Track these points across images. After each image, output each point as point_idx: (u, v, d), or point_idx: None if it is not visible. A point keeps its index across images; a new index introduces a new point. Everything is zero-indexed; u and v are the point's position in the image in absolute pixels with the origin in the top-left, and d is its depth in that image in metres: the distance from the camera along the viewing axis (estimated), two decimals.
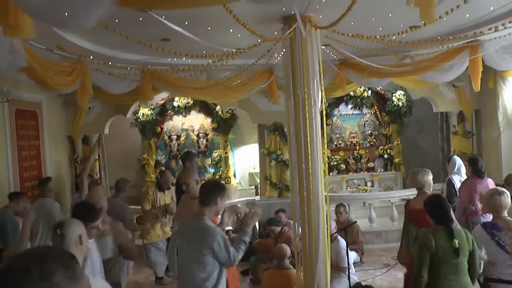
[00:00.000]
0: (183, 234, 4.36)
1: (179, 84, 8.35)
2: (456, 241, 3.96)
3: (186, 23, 5.36)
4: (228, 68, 8.53)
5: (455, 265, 3.97)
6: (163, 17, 4.97)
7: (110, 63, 7.53)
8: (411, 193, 10.42)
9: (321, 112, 5.90)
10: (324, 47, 7.69)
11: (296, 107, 5.78)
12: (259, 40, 5.58)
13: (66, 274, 1.45)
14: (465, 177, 7.77)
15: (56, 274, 1.43)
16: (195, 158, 8.48)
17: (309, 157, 5.70)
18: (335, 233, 7.43)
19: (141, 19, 5.25)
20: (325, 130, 5.98)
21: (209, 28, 5.86)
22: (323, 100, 5.91)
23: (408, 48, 7.49)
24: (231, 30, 5.86)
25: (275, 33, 6.06)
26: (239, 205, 10.34)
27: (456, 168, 8.06)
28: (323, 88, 5.86)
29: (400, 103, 12.29)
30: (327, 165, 5.70)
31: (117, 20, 5.28)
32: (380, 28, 5.80)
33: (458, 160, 8.18)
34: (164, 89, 8.81)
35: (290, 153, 6.07)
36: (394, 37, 6.35)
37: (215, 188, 4.38)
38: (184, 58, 7.53)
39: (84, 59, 7.15)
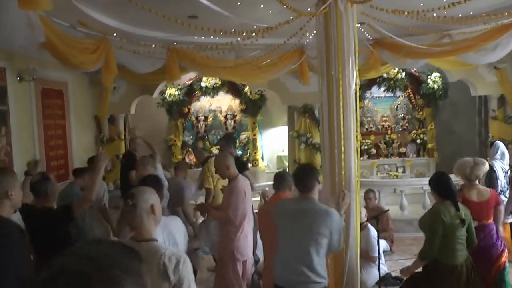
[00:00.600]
0: (289, 214, 4.20)
1: (206, 63, 8.08)
2: (462, 213, 4.47)
3: None
4: (258, 47, 8.19)
5: (460, 237, 4.46)
6: None
7: (134, 40, 7.30)
8: None
9: (355, 94, 5.55)
10: (359, 25, 7.30)
11: (330, 88, 5.43)
12: (292, 17, 5.25)
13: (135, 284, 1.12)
14: (508, 164, 7.32)
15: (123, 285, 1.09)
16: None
17: (342, 141, 5.37)
18: (366, 221, 7.10)
19: None
20: (358, 112, 5.63)
21: (239, 3, 5.54)
22: (357, 82, 5.55)
23: (450, 26, 7.04)
24: (261, 6, 5.54)
25: (308, 9, 5.70)
26: (267, 188, 10.08)
27: (498, 154, 7.57)
28: (357, 68, 5.49)
29: (436, 86, 11.79)
30: (359, 149, 5.36)
31: None
32: (422, 4, 5.38)
33: (501, 146, 7.68)
34: (191, 68, 8.55)
35: (322, 136, 5.73)
36: (435, 14, 5.92)
37: (312, 172, 4.34)
38: (212, 36, 7.29)
39: (108, 37, 6.94)
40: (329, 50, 5.38)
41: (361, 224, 6.74)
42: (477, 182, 5.29)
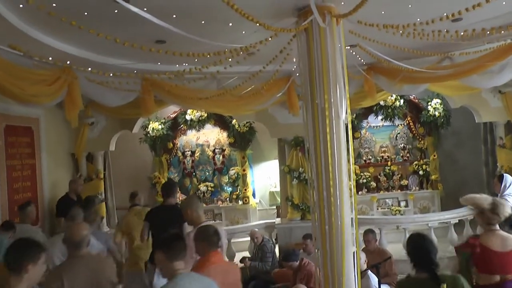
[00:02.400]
0: None
1: (184, 95, 7.35)
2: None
3: (174, 16, 4.32)
4: (241, 75, 7.48)
5: None
6: (145, 9, 3.96)
7: (102, 70, 6.56)
8: (452, 215, 9.25)
9: (346, 125, 4.78)
10: (349, 48, 6.58)
11: (315, 119, 4.67)
12: (269, 37, 4.52)
13: None
14: None
15: None
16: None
17: (331, 180, 4.56)
18: (366, 270, 6.21)
19: (116, 11, 4.21)
20: (351, 144, 4.85)
21: (203, 22, 4.81)
22: (348, 111, 4.77)
23: (450, 46, 6.30)
24: (230, 24, 4.80)
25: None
26: (256, 229, 9.24)
27: (509, 188, 6.73)
28: (348, 95, 4.72)
29: (437, 113, 11.05)
30: (354, 184, 4.48)
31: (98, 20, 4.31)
32: (418, 19, 4.65)
33: (510, 178, 6.85)
34: (168, 101, 7.82)
35: (309, 172, 4.94)
36: (432, 30, 5.19)
37: None
38: (185, 64, 6.59)
39: (71, 67, 6.20)
40: (312, 74, 4.66)
41: (361, 272, 5.92)
42: (497, 226, 4.31)
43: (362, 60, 7.34)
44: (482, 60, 6.73)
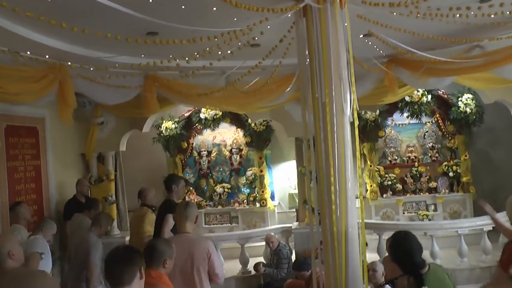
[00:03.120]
0: None
1: (189, 92, 6.86)
2: None
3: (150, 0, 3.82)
4: (250, 72, 6.95)
5: None
6: None
7: (98, 67, 6.12)
8: (485, 222, 8.42)
9: (352, 123, 4.18)
10: (365, 37, 5.95)
11: (316, 115, 4.08)
12: (260, 20, 3.96)
13: None
14: None
15: None
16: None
17: (332, 186, 3.98)
18: (382, 284, 5.56)
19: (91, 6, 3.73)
20: (357, 144, 4.24)
21: (183, 6, 4.27)
22: (355, 106, 4.16)
23: (476, 32, 5.58)
24: (214, 9, 4.25)
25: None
26: (272, 233, 8.69)
27: None
28: (353, 88, 4.11)
29: (468, 109, 10.21)
30: (361, 188, 3.88)
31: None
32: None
33: None
34: (172, 98, 7.34)
35: (308, 174, 4.38)
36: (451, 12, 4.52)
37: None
38: (187, 59, 6.07)
39: (63, 63, 5.79)
40: (312, 64, 4.07)
41: (377, 286, 5.34)
42: None
43: (382, 52, 6.66)
44: None
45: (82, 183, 8.71)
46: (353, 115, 4.12)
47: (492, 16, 4.98)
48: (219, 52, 5.43)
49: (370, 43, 6.05)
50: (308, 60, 4.11)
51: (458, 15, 4.69)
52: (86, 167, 9.96)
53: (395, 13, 4.46)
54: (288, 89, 6.75)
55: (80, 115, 9.51)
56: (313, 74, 4.02)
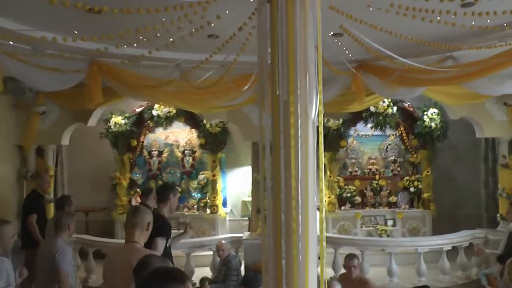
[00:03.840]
0: None
1: (137, 83, 6.15)
2: None
3: None
4: (208, 67, 6.33)
5: None
6: None
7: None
8: (445, 241, 8.18)
9: (317, 127, 3.59)
10: (334, 36, 5.42)
11: (275, 116, 3.48)
12: None
13: None
14: None
15: None
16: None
17: (294, 201, 3.38)
18: None
19: None
20: (321, 151, 3.65)
21: None
22: (321, 108, 3.58)
23: (455, 39, 5.15)
24: None
25: None
26: (223, 241, 8.07)
27: None
28: (320, 87, 3.54)
29: (433, 124, 9.89)
30: (323, 200, 3.21)
31: None
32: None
33: None
34: (118, 89, 6.59)
35: (262, 182, 3.78)
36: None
37: None
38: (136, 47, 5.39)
39: None
40: (274, 57, 3.46)
41: None
42: None
43: (351, 55, 6.15)
44: (493, 62, 5.60)
45: (44, 178, 7.73)
46: (317, 118, 3.53)
47: (474, 22, 4.56)
48: (171, 40, 4.79)
49: (340, 43, 5.52)
50: (269, 51, 3.49)
51: (438, 18, 4.23)
52: (23, 160, 9.07)
53: (371, 8, 3.93)
54: (246, 87, 6.13)
55: (19, 103, 8.71)
56: (275, 68, 3.41)
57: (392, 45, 5.15)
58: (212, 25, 4.05)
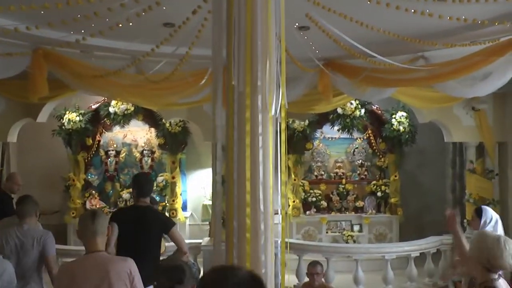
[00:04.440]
0: None
1: (83, 73, 5.62)
2: None
3: None
4: (171, 60, 5.86)
5: None
6: None
7: None
8: (413, 247, 7.94)
9: (280, 124, 3.21)
10: (299, 29, 5.04)
11: (230, 110, 3.06)
12: None
13: None
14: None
15: None
16: None
17: (247, 195, 2.99)
18: None
19: None
20: (284, 150, 3.26)
21: None
22: (284, 101, 3.18)
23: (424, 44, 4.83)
24: None
25: None
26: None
27: (491, 225, 5.29)
28: (283, 78, 3.14)
29: (401, 128, 9.66)
30: (285, 204, 2.77)
31: None
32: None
33: (493, 213, 5.41)
34: (64, 79, 6.02)
35: (215, 185, 3.40)
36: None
37: None
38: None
39: None
40: (230, 42, 3.05)
41: None
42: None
43: (317, 52, 5.78)
44: (465, 62, 5.34)
45: (13, 179, 6.99)
46: (279, 114, 3.14)
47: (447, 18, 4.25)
48: (119, 25, 4.31)
49: (306, 37, 5.13)
50: (226, 36, 3.07)
51: (413, 11, 3.90)
52: None
53: None
54: (203, 82, 5.67)
55: None
56: (230, 54, 2.99)
57: (361, 43, 4.81)
58: (163, 8, 3.59)
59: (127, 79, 5.91)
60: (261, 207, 2.97)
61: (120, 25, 4.20)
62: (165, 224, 4.79)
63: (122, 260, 3.34)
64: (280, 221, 3.81)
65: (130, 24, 4.50)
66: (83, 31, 4.88)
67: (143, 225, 4.60)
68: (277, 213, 3.86)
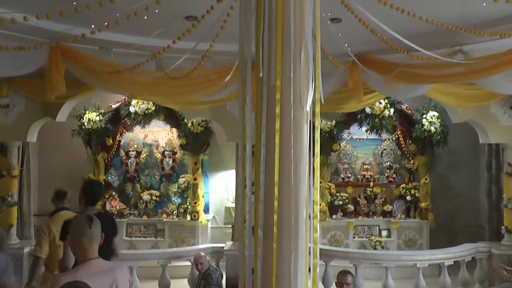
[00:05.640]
0: None
1: (99, 69, 5.38)
2: None
3: None
4: (190, 57, 5.57)
5: None
6: None
7: None
8: (447, 255, 7.52)
9: (313, 123, 2.87)
10: (332, 22, 4.70)
11: (258, 105, 2.74)
12: None
13: None
14: None
15: None
16: None
17: (275, 192, 2.66)
18: None
19: None
20: (317, 151, 2.93)
21: None
22: (317, 97, 2.84)
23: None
24: None
25: None
26: (202, 253, 7.29)
27: None
28: (318, 69, 2.80)
29: (433, 128, 9.25)
30: (318, 206, 2.39)
31: None
32: None
33: None
34: (80, 76, 5.80)
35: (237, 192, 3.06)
36: None
37: None
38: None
39: None
40: (259, 27, 2.73)
41: None
42: None
43: (347, 45, 5.41)
44: (509, 55, 4.93)
45: None
46: (313, 108, 2.80)
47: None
48: (143, 18, 4.04)
49: (336, 29, 4.78)
50: (255, 23, 2.74)
51: None
52: None
53: None
54: (228, 78, 5.35)
55: None
56: (258, 41, 2.67)
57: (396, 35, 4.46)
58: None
59: (147, 76, 5.65)
60: (292, 215, 2.64)
61: (145, 17, 3.91)
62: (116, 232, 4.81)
63: (124, 267, 3.27)
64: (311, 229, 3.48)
65: (151, 18, 4.26)
66: (104, 23, 4.64)
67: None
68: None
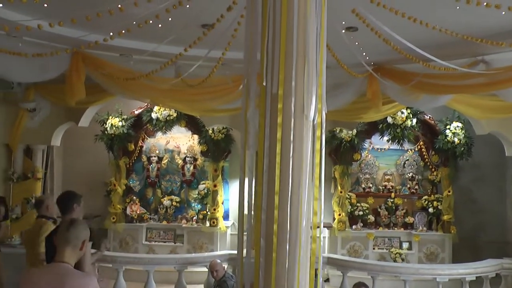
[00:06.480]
0: None
1: (117, 76, 5.47)
2: None
3: None
4: (209, 65, 5.61)
5: None
6: None
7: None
8: (468, 270, 7.30)
9: (315, 131, 2.85)
10: (348, 31, 4.67)
11: (261, 114, 2.74)
12: None
13: None
14: None
15: None
16: None
17: (275, 208, 2.66)
18: None
19: None
20: (318, 161, 2.89)
21: None
22: (321, 104, 2.82)
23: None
24: None
25: None
26: (218, 260, 7.27)
27: None
28: (321, 79, 2.78)
29: (456, 140, 9.03)
30: (317, 216, 2.36)
31: None
32: None
33: None
34: (104, 84, 5.93)
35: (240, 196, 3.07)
36: None
37: None
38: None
39: None
40: (263, 37, 2.73)
41: None
42: None
43: (364, 54, 5.38)
44: None
45: None
46: (316, 118, 2.78)
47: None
48: (159, 26, 4.11)
49: (352, 38, 4.75)
50: (260, 31, 2.75)
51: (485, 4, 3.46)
52: (10, 160, 8.45)
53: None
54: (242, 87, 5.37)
55: (9, 98, 8.16)
56: (263, 50, 2.67)
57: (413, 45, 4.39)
58: (200, 8, 3.32)
59: (164, 83, 5.72)
60: (288, 224, 2.62)
61: (159, 25, 3.97)
62: None
63: (83, 276, 2.99)
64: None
65: (166, 25, 4.33)
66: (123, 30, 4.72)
67: None
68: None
